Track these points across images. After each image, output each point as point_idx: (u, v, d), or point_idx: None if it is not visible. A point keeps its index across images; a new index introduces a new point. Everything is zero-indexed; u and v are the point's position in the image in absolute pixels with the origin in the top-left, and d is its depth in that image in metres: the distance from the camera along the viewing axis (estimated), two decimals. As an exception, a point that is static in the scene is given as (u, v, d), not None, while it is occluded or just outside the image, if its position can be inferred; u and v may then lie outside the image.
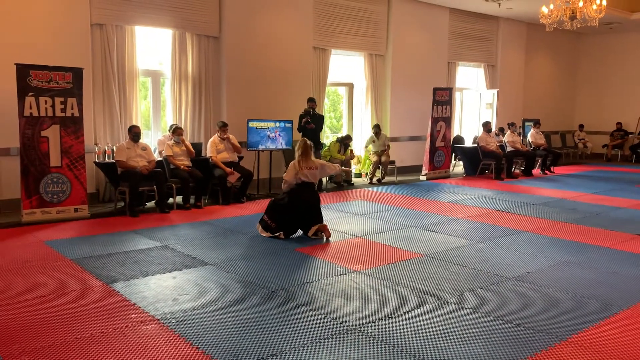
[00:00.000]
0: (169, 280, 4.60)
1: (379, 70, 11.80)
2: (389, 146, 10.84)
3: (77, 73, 7.05)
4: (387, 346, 3.37)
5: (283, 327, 3.64)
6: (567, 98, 17.03)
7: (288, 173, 6.22)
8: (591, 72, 16.93)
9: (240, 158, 8.66)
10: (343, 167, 10.29)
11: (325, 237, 6.13)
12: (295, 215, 6.15)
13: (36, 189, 6.81)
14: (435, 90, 11.35)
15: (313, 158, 6.31)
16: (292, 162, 6.28)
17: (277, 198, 6.40)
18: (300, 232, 6.27)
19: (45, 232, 6.31)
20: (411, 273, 4.89)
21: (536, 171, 12.67)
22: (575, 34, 16.21)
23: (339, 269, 4.99)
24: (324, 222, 6.25)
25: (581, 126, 16.54)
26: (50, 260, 5.15)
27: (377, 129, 10.87)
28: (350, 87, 11.82)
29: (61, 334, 3.47)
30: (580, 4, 9.20)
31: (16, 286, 4.40)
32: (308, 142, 6.32)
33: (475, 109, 13.80)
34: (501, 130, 12.72)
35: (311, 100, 9.65)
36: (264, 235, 6.19)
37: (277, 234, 6.16)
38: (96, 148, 7.93)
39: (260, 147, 9.05)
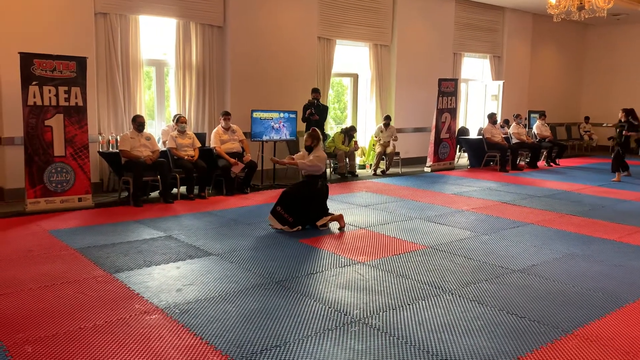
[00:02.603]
0: (173, 271, 4.60)
1: (384, 61, 11.72)
2: (396, 137, 10.78)
3: (81, 62, 7.03)
4: (391, 338, 3.35)
5: (287, 318, 3.63)
6: (573, 90, 16.91)
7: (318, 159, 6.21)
8: (597, 63, 16.79)
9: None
10: (347, 159, 10.29)
11: (340, 226, 6.14)
12: (311, 207, 6.10)
13: (40, 178, 6.82)
14: (440, 81, 11.28)
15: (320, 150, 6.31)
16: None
17: (292, 189, 6.19)
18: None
19: (49, 222, 6.32)
20: (415, 265, 4.87)
21: (541, 163, 12.60)
22: (581, 25, 16.07)
23: (343, 260, 4.98)
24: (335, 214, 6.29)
25: (587, 118, 16.42)
26: (54, 250, 5.15)
27: (386, 120, 10.82)
28: (355, 77, 11.76)
29: (65, 324, 3.47)
30: (589, -6, 9.10)
31: (20, 275, 4.41)
32: (317, 131, 6.37)
33: (480, 101, 13.72)
34: (506, 122, 12.63)
35: (315, 91, 9.59)
36: (279, 227, 5.99)
37: (294, 229, 5.97)
38: (100, 138, 7.92)
39: (265, 137, 9.02)
